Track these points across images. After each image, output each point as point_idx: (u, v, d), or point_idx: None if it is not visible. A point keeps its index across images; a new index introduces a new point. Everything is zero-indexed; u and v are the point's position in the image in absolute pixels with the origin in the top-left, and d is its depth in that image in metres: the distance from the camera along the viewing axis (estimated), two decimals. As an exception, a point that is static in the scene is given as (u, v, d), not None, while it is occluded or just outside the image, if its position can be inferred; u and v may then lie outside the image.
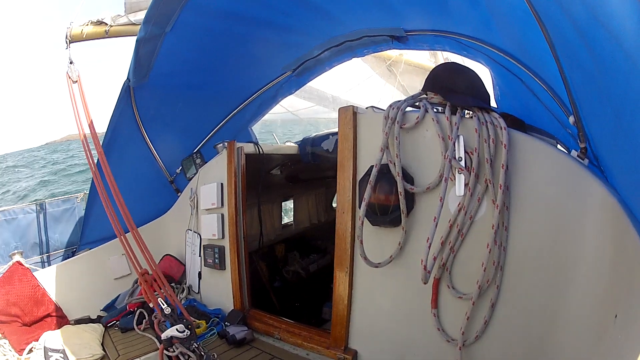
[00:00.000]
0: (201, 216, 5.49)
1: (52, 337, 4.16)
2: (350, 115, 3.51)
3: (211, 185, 5.24)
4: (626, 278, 2.25)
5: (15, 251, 5.22)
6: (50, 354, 3.90)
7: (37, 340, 4.21)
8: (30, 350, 4.13)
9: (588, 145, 2.65)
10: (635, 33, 1.59)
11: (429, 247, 2.76)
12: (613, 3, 1.65)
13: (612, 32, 1.75)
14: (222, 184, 5.14)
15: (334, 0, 4.30)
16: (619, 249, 2.36)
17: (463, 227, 2.89)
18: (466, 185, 2.83)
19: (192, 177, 5.88)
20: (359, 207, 3.22)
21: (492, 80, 4.45)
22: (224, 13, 4.39)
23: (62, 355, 3.93)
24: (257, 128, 6.92)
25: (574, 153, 2.71)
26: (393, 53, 9.57)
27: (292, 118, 8.82)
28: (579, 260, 2.57)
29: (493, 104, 4.09)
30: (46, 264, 6.26)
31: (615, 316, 2.17)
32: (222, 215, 5.13)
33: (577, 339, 2.53)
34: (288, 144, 6.78)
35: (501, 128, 2.75)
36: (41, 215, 6.55)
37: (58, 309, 5.04)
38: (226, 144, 5.14)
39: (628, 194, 2.36)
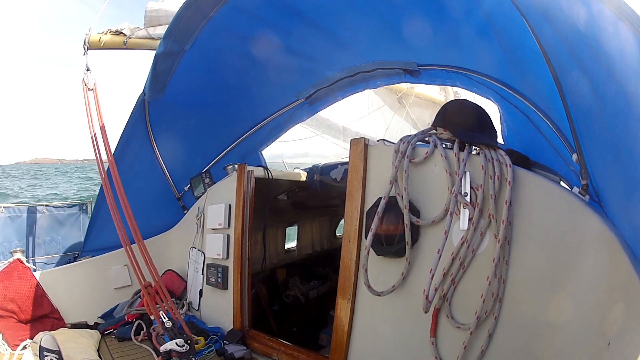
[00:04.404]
0: (207, 235, 5.53)
1: (48, 338, 4.17)
2: (362, 147, 3.58)
3: (219, 206, 5.29)
4: (620, 308, 2.32)
5: (17, 249, 5.26)
6: (45, 353, 3.91)
7: (32, 338, 4.24)
8: (25, 347, 4.17)
9: (589, 182, 2.72)
10: (635, 75, 1.68)
11: (432, 278, 2.83)
12: (616, 47, 1.75)
13: (614, 73, 1.84)
14: (230, 205, 5.19)
15: (349, 30, 4.41)
16: (615, 281, 2.45)
17: (465, 260, 2.94)
18: (470, 219, 2.90)
19: (200, 195, 5.94)
20: (365, 237, 3.28)
21: (500, 117, 4.54)
22: (243, 36, 4.51)
23: (57, 356, 3.94)
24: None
25: (575, 190, 2.78)
26: (404, 85, 9.69)
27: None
28: (576, 292, 2.63)
29: (500, 140, 4.18)
30: (46, 265, 6.27)
31: (609, 343, 2.24)
32: (228, 236, 5.16)
33: None
34: (296, 170, 6.86)
35: (506, 165, 2.82)
36: (46, 217, 6.58)
37: (55, 310, 5.09)
38: (236, 166, 5.21)
39: (625, 229, 2.44)
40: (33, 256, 6.33)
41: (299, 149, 9.07)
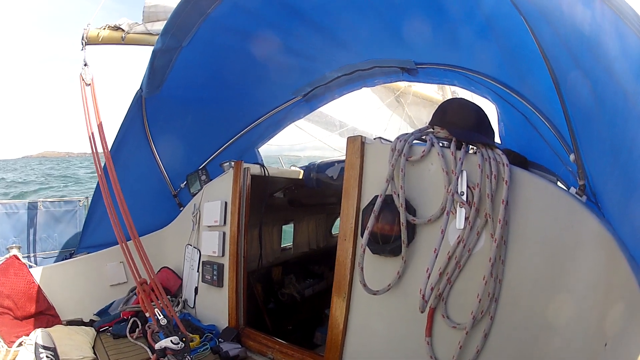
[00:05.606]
0: (202, 232, 5.52)
1: (44, 335, 4.16)
2: (359, 144, 3.57)
3: (215, 203, 5.28)
4: (617, 308, 2.32)
5: (13, 245, 5.26)
6: (40, 350, 3.90)
7: (28, 335, 4.21)
8: (20, 344, 4.15)
9: (587, 182, 2.72)
10: (635, 76, 1.67)
11: (428, 277, 2.81)
12: (615, 47, 1.74)
13: (614, 75, 1.83)
14: (226, 203, 5.18)
15: (346, 29, 4.39)
16: (612, 282, 2.45)
17: (461, 259, 2.93)
18: (466, 219, 2.88)
19: (196, 192, 5.93)
20: (361, 235, 3.27)
21: (498, 116, 4.52)
22: (241, 32, 4.49)
23: (52, 353, 3.94)
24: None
25: (572, 190, 2.77)
26: (402, 84, 9.69)
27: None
28: (572, 292, 2.63)
29: (497, 139, 4.17)
30: (43, 262, 6.26)
31: (605, 344, 2.23)
32: (224, 234, 5.16)
33: None
34: (293, 168, 6.85)
35: (503, 165, 2.81)
36: (42, 214, 6.60)
37: (51, 307, 5.10)
38: (233, 163, 5.21)
39: (622, 229, 2.44)
40: (30, 252, 6.32)
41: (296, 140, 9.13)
